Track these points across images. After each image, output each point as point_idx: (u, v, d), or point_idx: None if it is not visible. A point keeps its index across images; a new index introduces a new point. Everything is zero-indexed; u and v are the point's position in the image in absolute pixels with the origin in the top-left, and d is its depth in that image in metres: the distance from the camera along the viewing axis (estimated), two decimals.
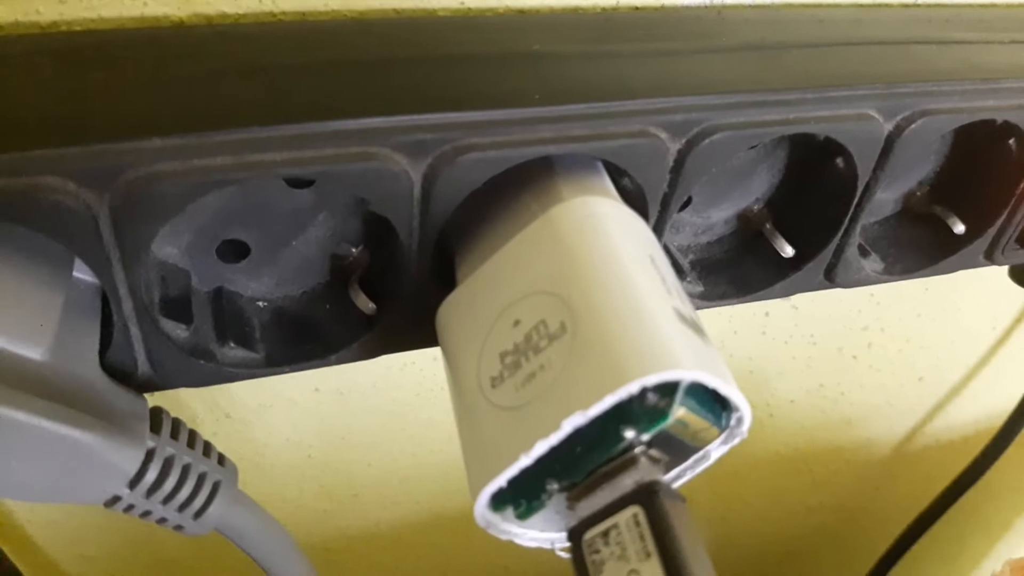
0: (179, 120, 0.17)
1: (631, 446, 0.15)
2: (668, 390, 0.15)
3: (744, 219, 0.25)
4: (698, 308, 0.24)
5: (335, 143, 0.17)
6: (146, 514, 0.18)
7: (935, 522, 0.49)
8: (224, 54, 0.19)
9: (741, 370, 0.39)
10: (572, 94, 0.19)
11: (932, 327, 0.42)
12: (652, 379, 0.15)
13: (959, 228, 0.26)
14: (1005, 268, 0.36)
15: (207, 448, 0.19)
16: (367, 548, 0.37)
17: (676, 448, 0.16)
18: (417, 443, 0.34)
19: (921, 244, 0.27)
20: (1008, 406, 0.43)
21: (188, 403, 0.28)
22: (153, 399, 0.19)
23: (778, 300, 0.36)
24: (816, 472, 0.51)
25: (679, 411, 0.15)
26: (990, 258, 0.27)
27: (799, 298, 0.37)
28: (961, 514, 0.49)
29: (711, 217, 0.25)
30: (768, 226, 0.25)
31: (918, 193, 0.27)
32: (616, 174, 0.20)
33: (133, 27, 0.20)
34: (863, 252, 0.26)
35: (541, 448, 0.15)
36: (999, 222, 0.26)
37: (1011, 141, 0.25)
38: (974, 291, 0.41)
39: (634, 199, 0.21)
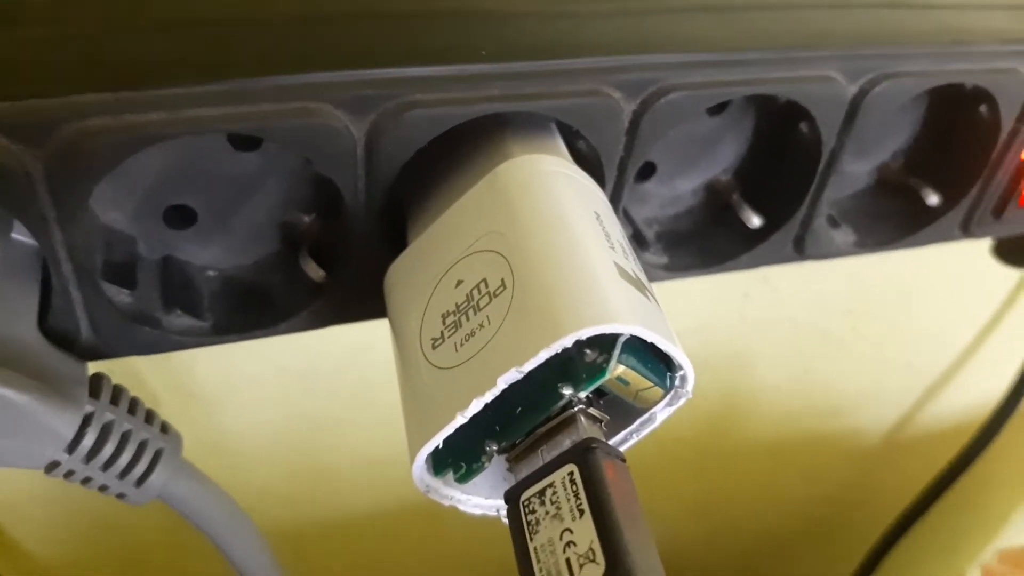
0: (113, 75, 0.17)
1: (569, 404, 0.15)
2: (606, 346, 0.15)
3: (711, 189, 0.25)
4: (664, 280, 0.24)
5: (273, 99, 0.17)
6: (87, 480, 0.18)
7: (926, 512, 0.49)
8: (164, 10, 0.19)
9: (723, 354, 0.39)
10: (523, 51, 0.19)
11: (919, 311, 0.42)
12: (587, 332, 0.14)
13: (933, 200, 0.26)
14: (991, 253, 0.36)
15: (149, 415, 0.19)
16: (339, 535, 0.37)
17: (619, 408, 0.16)
18: (387, 427, 0.33)
19: (895, 216, 0.26)
20: (998, 393, 0.43)
21: (149, 383, 0.28)
22: (116, 379, 0.19)
23: (758, 282, 0.36)
24: (804, 462, 0.50)
25: (618, 368, 0.15)
26: (966, 230, 0.27)
27: (779, 279, 0.36)
28: (953, 504, 0.48)
29: (678, 188, 0.25)
30: (735, 196, 0.24)
31: (892, 165, 0.27)
32: (570, 136, 0.20)
33: None
34: (833, 223, 0.25)
35: (477, 406, 0.15)
36: (973, 192, 0.26)
37: (983, 108, 0.24)
38: (962, 274, 0.41)
39: (590, 162, 0.20)
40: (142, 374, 0.27)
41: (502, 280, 0.16)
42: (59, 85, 0.16)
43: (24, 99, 0.16)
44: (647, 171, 0.24)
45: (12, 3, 0.18)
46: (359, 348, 0.30)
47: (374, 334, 0.22)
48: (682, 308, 0.34)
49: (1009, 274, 0.41)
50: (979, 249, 0.37)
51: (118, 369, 0.20)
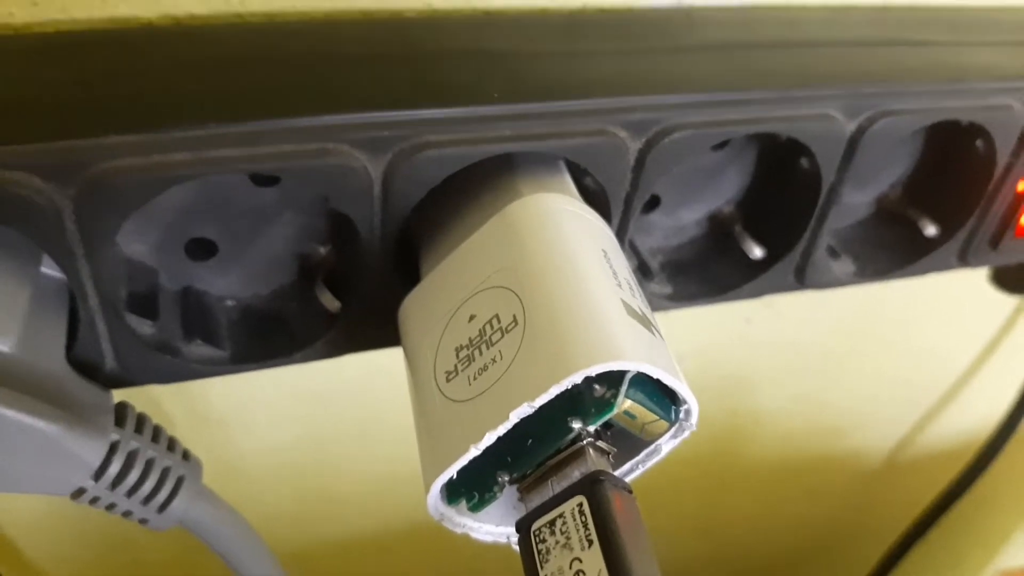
0: (140, 117, 0.17)
1: (579, 437, 0.16)
2: (614, 381, 0.15)
3: (715, 220, 0.25)
4: (668, 309, 0.25)
5: (294, 140, 0.18)
6: (111, 507, 0.19)
7: (927, 532, 0.49)
8: (190, 53, 0.20)
9: (725, 376, 0.39)
10: (531, 92, 0.19)
11: (917, 335, 0.42)
12: (596, 369, 0.15)
13: (931, 230, 0.26)
14: (990, 281, 0.36)
15: (171, 443, 0.20)
16: (347, 555, 0.37)
17: (627, 441, 0.17)
18: (396, 449, 0.34)
19: (894, 246, 0.27)
20: (997, 415, 0.43)
21: (165, 406, 0.28)
22: (133, 403, 0.20)
23: (760, 307, 0.36)
24: (807, 482, 0.51)
25: (625, 402, 0.15)
26: (963, 260, 0.28)
27: (781, 304, 0.37)
28: (954, 524, 0.49)
29: (682, 218, 0.25)
30: (738, 227, 0.25)
31: (891, 195, 0.27)
32: (578, 173, 0.20)
33: (103, 28, 0.20)
34: (833, 254, 0.26)
35: (490, 439, 0.15)
36: (970, 224, 0.26)
37: (978, 142, 0.25)
38: (960, 298, 0.41)
39: (597, 198, 0.21)
40: (158, 398, 0.28)
41: (514, 316, 0.16)
42: (88, 126, 0.17)
43: (54, 140, 0.17)
44: (652, 203, 0.24)
45: (42, 44, 0.19)
46: (371, 372, 0.31)
47: (383, 358, 0.22)
48: (685, 331, 0.35)
49: (1007, 299, 0.42)
50: (978, 274, 0.37)
51: (135, 393, 0.20)
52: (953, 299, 0.41)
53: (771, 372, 0.40)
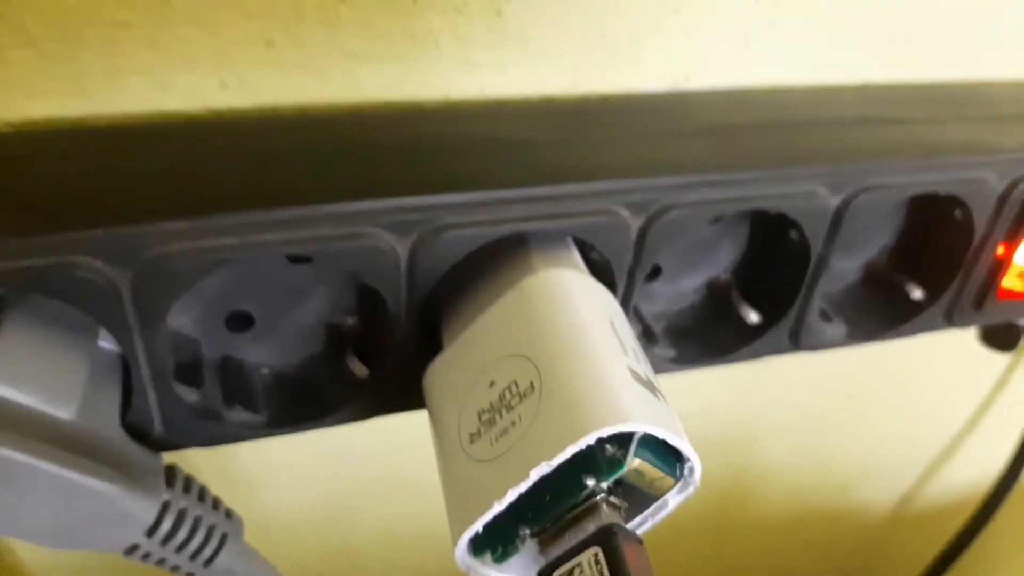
0: (191, 204, 0.19)
1: (593, 493, 0.17)
2: (623, 442, 0.17)
3: (713, 288, 0.27)
4: (672, 372, 0.26)
5: (329, 224, 0.20)
6: (161, 561, 0.20)
7: None
8: (231, 145, 0.22)
9: (730, 434, 0.41)
10: (541, 177, 0.21)
11: (915, 392, 0.44)
12: (607, 431, 0.16)
13: (917, 294, 0.28)
14: (979, 340, 0.38)
15: (216, 502, 0.21)
16: None
17: (636, 496, 0.18)
18: (415, 506, 0.35)
19: (883, 309, 0.29)
20: (996, 469, 0.44)
21: (199, 466, 0.30)
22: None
23: (761, 366, 0.38)
24: (813, 536, 0.52)
25: (634, 461, 0.17)
26: (950, 321, 0.29)
27: (780, 363, 0.38)
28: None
29: (682, 286, 0.27)
30: (735, 294, 0.27)
31: (879, 261, 0.29)
32: (585, 248, 0.22)
33: (152, 121, 0.22)
34: (825, 317, 0.27)
35: (512, 495, 0.17)
36: (953, 287, 0.28)
37: (957, 212, 0.27)
38: (955, 357, 0.43)
39: (602, 270, 0.23)
40: (192, 458, 0.29)
41: (531, 383, 0.18)
42: (144, 213, 0.19)
43: (115, 226, 0.19)
44: (654, 272, 0.26)
45: (101, 140, 0.21)
46: (391, 429, 0.32)
47: (403, 419, 0.24)
48: (690, 391, 0.36)
49: (999, 357, 0.43)
50: (969, 335, 0.39)
51: (173, 456, 0.22)
52: (948, 358, 0.43)
53: (774, 429, 0.42)
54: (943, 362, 0.43)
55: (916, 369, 0.42)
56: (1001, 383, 0.45)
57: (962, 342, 0.40)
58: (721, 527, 0.47)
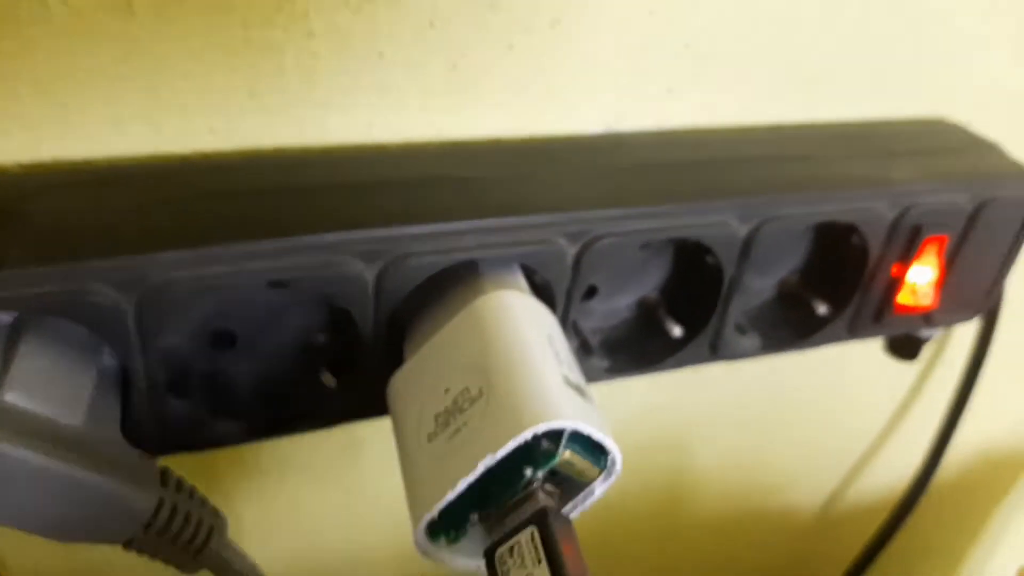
0: (187, 236, 0.22)
1: (530, 482, 0.21)
2: (556, 437, 0.20)
3: (642, 305, 0.31)
4: (608, 380, 0.30)
5: (308, 253, 0.23)
6: (156, 552, 0.23)
7: None
8: (219, 182, 0.24)
9: (666, 440, 0.44)
10: (490, 210, 0.25)
11: (836, 399, 0.48)
12: (541, 427, 0.20)
13: (822, 309, 0.32)
14: (884, 350, 0.42)
15: (204, 500, 0.24)
16: None
17: (568, 484, 0.21)
18: (378, 515, 0.38)
19: (793, 323, 0.33)
20: (912, 471, 0.49)
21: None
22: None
23: (695, 378, 0.42)
24: (749, 535, 0.55)
25: (565, 453, 0.20)
26: (852, 333, 0.33)
27: (713, 375, 0.42)
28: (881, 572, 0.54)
29: (616, 304, 0.31)
30: (661, 311, 0.30)
31: (790, 280, 0.33)
32: (529, 271, 0.26)
33: (149, 161, 0.25)
34: (741, 331, 0.31)
35: (463, 485, 0.20)
36: (854, 303, 0.32)
37: (854, 238, 0.30)
38: (870, 367, 0.47)
39: (544, 290, 0.26)
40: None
41: (480, 389, 0.21)
42: (147, 243, 0.22)
43: (122, 256, 0.21)
44: (590, 292, 0.30)
45: (108, 178, 0.24)
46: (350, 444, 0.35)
47: (364, 431, 0.27)
48: (628, 401, 0.40)
49: (910, 371, 0.48)
50: (878, 348, 0.43)
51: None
52: (864, 369, 0.47)
53: (706, 436, 0.45)
54: (860, 373, 0.47)
55: (835, 380, 0.46)
56: (913, 391, 0.50)
57: (875, 355, 0.44)
58: (663, 528, 0.51)
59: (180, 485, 0.23)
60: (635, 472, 0.43)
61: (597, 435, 0.20)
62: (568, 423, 0.20)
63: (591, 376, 0.29)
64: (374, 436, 0.34)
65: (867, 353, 0.43)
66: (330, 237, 0.23)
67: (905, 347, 0.39)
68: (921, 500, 0.49)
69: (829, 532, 0.57)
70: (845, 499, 0.56)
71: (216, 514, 0.24)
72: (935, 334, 0.39)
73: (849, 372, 0.46)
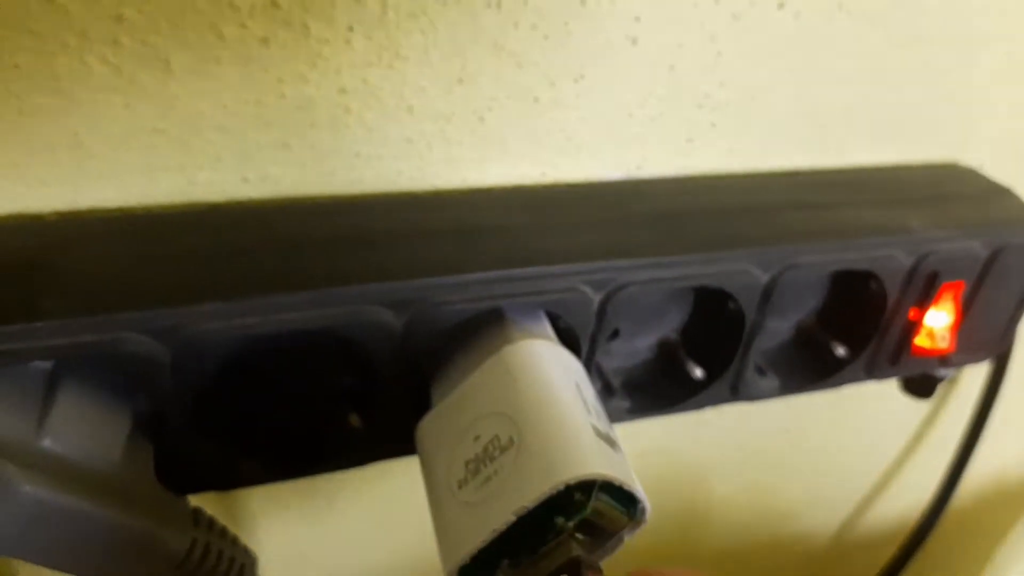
0: (222, 288, 0.23)
1: (562, 530, 0.21)
2: (587, 488, 0.21)
3: (663, 347, 0.31)
4: (628, 420, 0.30)
5: (338, 303, 0.23)
6: None
7: None
8: (250, 231, 0.25)
9: (681, 472, 0.45)
10: (516, 261, 0.25)
11: (848, 432, 0.48)
12: (574, 478, 0.20)
13: (840, 351, 0.32)
14: (900, 388, 0.42)
15: (235, 539, 0.24)
16: None
17: (597, 532, 0.22)
18: (400, 543, 0.38)
19: (812, 365, 0.33)
20: (925, 500, 0.49)
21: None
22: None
23: (711, 411, 0.42)
24: (763, 564, 0.55)
25: (596, 504, 0.21)
26: (870, 375, 0.33)
27: (729, 409, 0.42)
28: None
29: (637, 345, 0.31)
30: (681, 352, 0.30)
31: (808, 322, 0.33)
32: (554, 318, 0.26)
33: (184, 209, 0.26)
34: (760, 372, 0.31)
35: (495, 533, 0.21)
36: (871, 346, 0.32)
37: (872, 283, 0.31)
38: (884, 398, 0.47)
39: (569, 336, 0.26)
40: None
41: (510, 437, 0.22)
42: (182, 295, 0.22)
43: (159, 307, 0.22)
44: (613, 334, 0.30)
45: (141, 228, 0.25)
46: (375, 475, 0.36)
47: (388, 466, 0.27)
48: (645, 433, 0.40)
49: (923, 403, 0.48)
50: (894, 385, 0.43)
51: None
52: (875, 402, 0.47)
53: (722, 467, 0.46)
54: (876, 406, 0.47)
55: (850, 412, 0.47)
56: (927, 423, 0.50)
57: (889, 390, 0.44)
58: (680, 557, 0.51)
59: (212, 524, 0.24)
60: (650, 499, 0.43)
61: (628, 486, 0.21)
62: (599, 474, 0.20)
63: (613, 417, 0.29)
64: (402, 473, 0.34)
65: (882, 388, 0.43)
66: (362, 288, 0.23)
67: (921, 386, 0.39)
68: (935, 529, 0.50)
69: (843, 560, 0.57)
70: (859, 527, 0.56)
71: (247, 552, 0.25)
72: (950, 374, 0.39)
73: (864, 405, 0.47)
